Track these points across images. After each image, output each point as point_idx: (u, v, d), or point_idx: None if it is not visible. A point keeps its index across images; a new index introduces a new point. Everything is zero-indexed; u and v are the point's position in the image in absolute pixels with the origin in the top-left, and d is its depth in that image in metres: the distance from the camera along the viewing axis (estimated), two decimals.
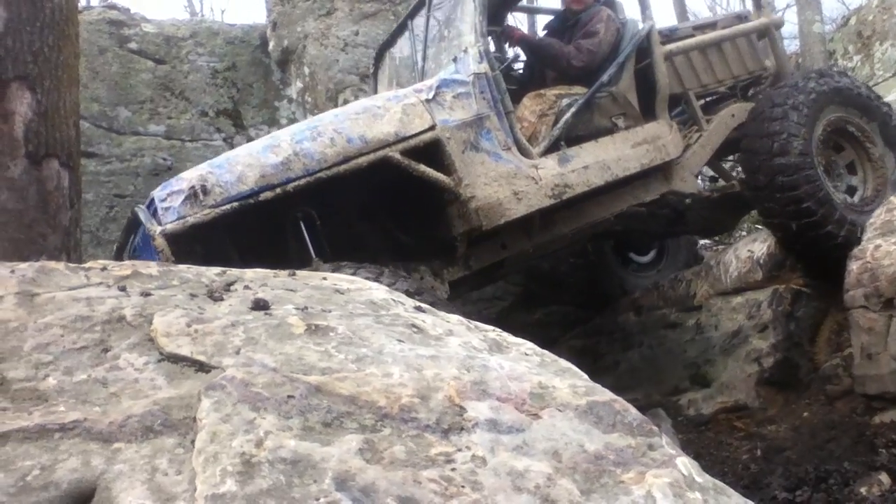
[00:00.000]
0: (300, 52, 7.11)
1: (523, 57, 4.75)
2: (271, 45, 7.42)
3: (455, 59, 3.76)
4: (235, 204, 3.08)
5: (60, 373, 1.25)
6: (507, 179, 3.52)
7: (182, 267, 1.77)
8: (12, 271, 1.56)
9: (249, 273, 1.80)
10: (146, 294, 1.54)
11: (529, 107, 3.96)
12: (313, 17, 7.07)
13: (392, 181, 3.40)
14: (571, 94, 3.96)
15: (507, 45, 4.54)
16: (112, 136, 6.54)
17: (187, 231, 3.05)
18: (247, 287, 1.68)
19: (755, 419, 3.83)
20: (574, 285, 5.76)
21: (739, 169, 4.93)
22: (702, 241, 6.33)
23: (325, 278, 1.85)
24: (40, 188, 4.03)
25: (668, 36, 4.53)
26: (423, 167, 3.35)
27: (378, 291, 1.79)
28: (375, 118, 3.38)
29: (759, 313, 4.12)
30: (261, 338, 1.39)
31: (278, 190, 3.13)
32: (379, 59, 5.01)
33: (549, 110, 3.92)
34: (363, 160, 3.26)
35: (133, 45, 7.04)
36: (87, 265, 1.69)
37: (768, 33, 4.77)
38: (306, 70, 7.04)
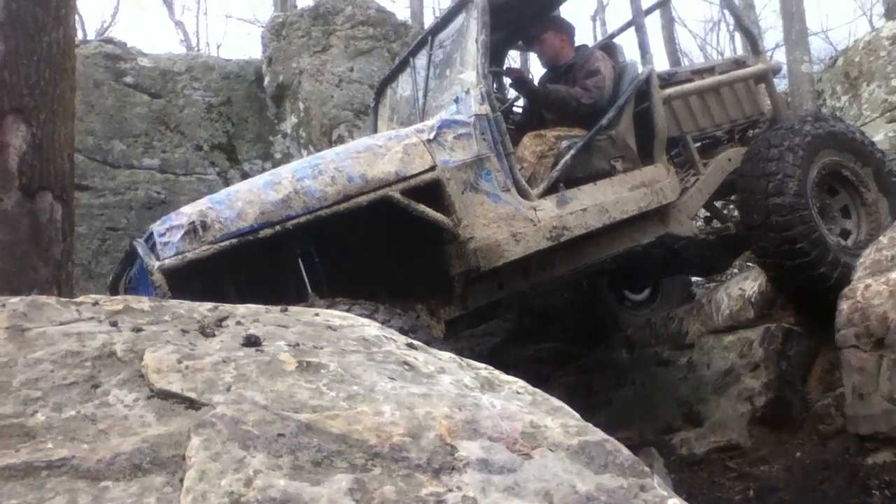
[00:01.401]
0: (295, 88, 7.17)
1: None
2: (266, 80, 7.49)
3: (457, 100, 3.79)
4: (235, 240, 3.07)
5: (49, 409, 1.24)
6: (506, 221, 3.54)
7: (174, 302, 1.77)
8: (3, 305, 1.55)
9: (241, 309, 1.79)
10: (138, 329, 1.53)
11: (529, 147, 3.98)
12: (308, 54, 7.15)
13: (391, 219, 3.41)
14: (571, 137, 3.99)
15: (510, 89, 4.58)
16: (106, 170, 6.56)
17: (185, 266, 3.04)
18: (238, 323, 1.67)
19: (748, 459, 3.81)
20: (567, 321, 5.76)
21: (734, 210, 4.97)
22: (694, 279, 6.35)
23: (317, 314, 1.85)
24: (33, 221, 4.03)
25: (667, 80, 4.57)
26: (422, 207, 3.36)
27: (370, 328, 1.79)
28: (377, 157, 3.39)
29: (750, 352, 4.11)
30: (252, 375, 1.39)
31: (278, 227, 3.12)
32: (379, 94, 5.04)
33: (549, 151, 3.95)
34: (363, 199, 3.27)
35: (129, 79, 7.09)
36: (79, 300, 1.68)
37: (765, 79, 4.82)
38: (301, 105, 7.09)
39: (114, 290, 3.77)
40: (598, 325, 5.51)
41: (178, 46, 20.42)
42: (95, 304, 1.66)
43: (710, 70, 4.88)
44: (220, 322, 1.65)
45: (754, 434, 3.89)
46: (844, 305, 3.24)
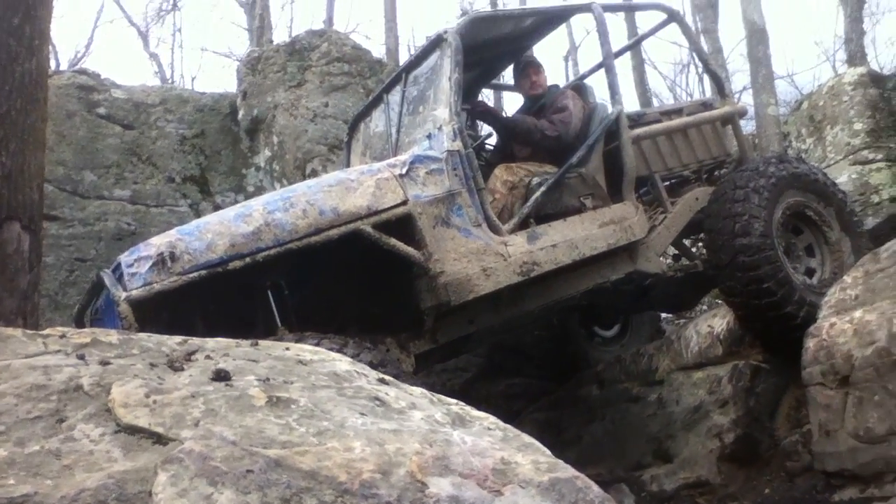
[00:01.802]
0: (269, 122, 7.19)
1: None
2: (241, 113, 7.49)
3: (429, 136, 3.82)
4: (204, 272, 3.05)
5: (12, 444, 1.22)
6: (477, 256, 3.55)
7: (142, 335, 1.75)
8: None
9: (211, 342, 1.78)
10: (105, 363, 1.51)
11: (500, 177, 4.04)
12: (283, 88, 7.18)
13: (363, 253, 3.41)
14: (541, 173, 4.04)
15: (475, 120, 4.65)
16: (76, 200, 6.50)
17: (153, 298, 3.01)
18: (208, 357, 1.66)
19: (717, 495, 3.82)
20: (538, 357, 5.78)
21: (702, 248, 5.05)
22: (664, 316, 6.41)
23: (287, 349, 1.84)
24: (0, 251, 3.97)
25: (636, 120, 4.65)
26: (393, 241, 3.37)
27: (341, 363, 1.79)
28: (349, 191, 3.40)
29: (719, 388, 4.14)
30: (221, 409, 1.38)
31: (248, 259, 3.11)
32: (353, 129, 5.08)
33: (520, 182, 4.01)
34: (334, 232, 3.27)
35: (102, 110, 7.06)
36: (46, 332, 1.66)
37: (732, 121, 4.91)
38: (275, 139, 7.10)
39: (79, 322, 3.72)
40: (568, 361, 5.53)
41: (152, 78, 20.37)
42: (62, 336, 1.64)
43: (679, 112, 4.98)
44: (189, 356, 1.64)
45: (723, 470, 3.91)
46: (810, 343, 3.29)
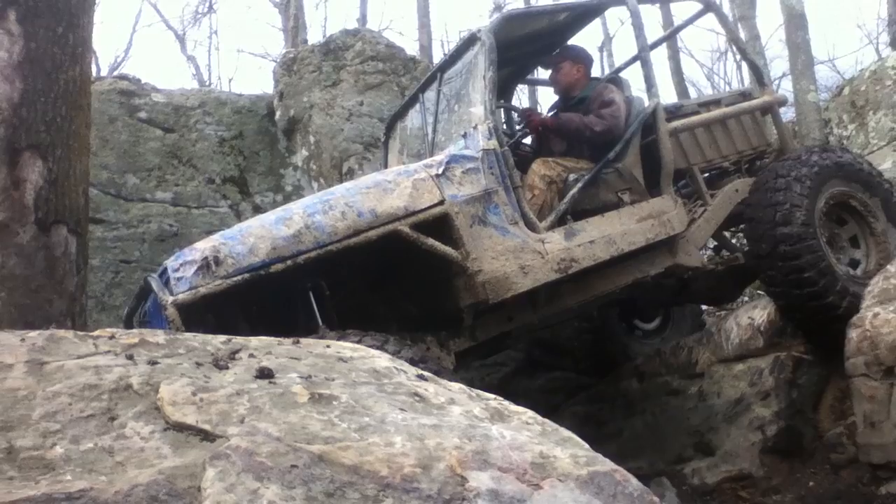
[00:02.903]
0: (306, 122, 7.26)
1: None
2: (278, 114, 7.58)
3: (465, 135, 3.84)
4: (247, 275, 3.12)
5: (68, 441, 1.27)
6: (514, 254, 3.57)
7: (188, 335, 1.80)
8: (22, 339, 1.59)
9: (254, 341, 1.82)
10: (153, 362, 1.56)
11: (538, 172, 4.03)
12: (319, 88, 7.24)
13: (401, 253, 3.44)
14: (578, 169, 4.03)
15: (526, 131, 4.61)
16: (120, 203, 6.64)
17: (198, 301, 3.07)
18: (251, 355, 1.70)
19: (760, 489, 3.78)
20: (577, 351, 5.76)
21: (743, 241, 4.98)
22: (704, 308, 6.33)
23: (328, 346, 1.88)
24: (48, 254, 4.09)
25: (674, 112, 4.61)
26: (431, 241, 3.39)
27: (381, 360, 1.81)
28: (386, 192, 3.44)
29: (761, 381, 4.10)
30: (265, 407, 1.41)
31: (289, 262, 3.17)
32: (390, 129, 5.11)
33: (558, 178, 4.00)
34: (373, 233, 3.31)
35: (143, 115, 7.20)
36: (96, 333, 1.72)
37: (772, 110, 4.84)
38: (312, 139, 7.18)
39: (128, 325, 3.81)
40: (608, 355, 5.51)
41: (190, 81, 20.67)
42: (112, 337, 1.69)
43: (717, 102, 4.91)
44: (233, 355, 1.68)
45: (766, 463, 3.87)
46: (853, 334, 3.25)
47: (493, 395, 1.78)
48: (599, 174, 4.02)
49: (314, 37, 15.91)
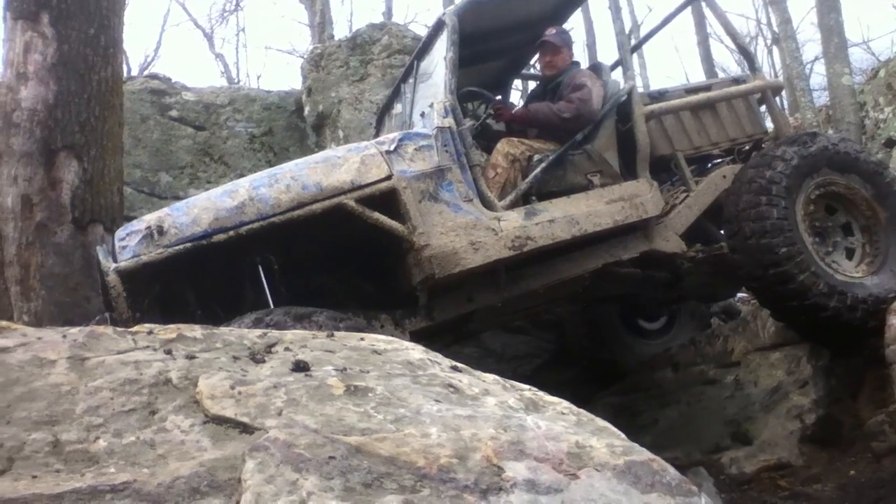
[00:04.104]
0: (334, 117, 7.30)
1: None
2: (307, 110, 7.63)
3: (422, 114, 3.86)
4: (189, 245, 3.13)
5: (110, 435, 1.29)
6: (466, 230, 3.54)
7: (224, 330, 1.82)
8: (64, 336, 1.62)
9: (289, 335, 1.84)
10: (191, 357, 1.58)
11: (501, 150, 3.99)
12: (347, 83, 7.27)
13: (355, 231, 3.45)
14: (545, 150, 3.98)
15: (497, 123, 4.56)
16: (154, 201, 6.72)
17: (140, 269, 3.10)
18: (287, 349, 1.72)
19: (799, 478, 3.74)
20: (584, 353, 5.68)
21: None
22: (740, 295, 6.21)
23: (362, 339, 1.89)
24: (85, 253, 4.17)
25: (657, 98, 4.52)
26: (377, 215, 3.39)
27: (415, 352, 1.82)
28: (334, 167, 3.44)
29: (798, 369, 4.05)
30: (302, 399, 1.43)
31: (231, 233, 3.18)
32: (379, 123, 5.13)
33: (521, 156, 3.95)
34: (317, 206, 3.30)
35: (174, 113, 7.28)
36: (135, 329, 1.74)
37: (764, 96, 4.68)
38: (340, 133, 7.21)
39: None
40: (613, 356, 5.46)
41: (219, 78, 20.88)
42: (150, 332, 1.72)
43: (706, 88, 4.77)
44: (269, 348, 1.70)
45: (805, 452, 3.82)
46: (893, 320, 3.19)
47: (527, 386, 1.78)
48: (566, 155, 3.96)
49: (341, 32, 15.99)
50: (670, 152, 4.42)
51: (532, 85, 5.12)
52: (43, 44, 4.28)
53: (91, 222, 4.24)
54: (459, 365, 1.83)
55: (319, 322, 3.00)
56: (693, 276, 4.56)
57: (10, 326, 1.69)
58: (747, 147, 4.66)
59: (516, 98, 5.85)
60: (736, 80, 4.97)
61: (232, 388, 1.44)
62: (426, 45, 4.30)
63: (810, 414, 3.90)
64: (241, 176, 7.19)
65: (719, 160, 4.72)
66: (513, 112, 4.38)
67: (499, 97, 5.25)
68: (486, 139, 4.50)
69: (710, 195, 4.34)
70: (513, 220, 3.67)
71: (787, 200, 3.90)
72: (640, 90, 4.62)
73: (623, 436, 1.54)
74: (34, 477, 1.15)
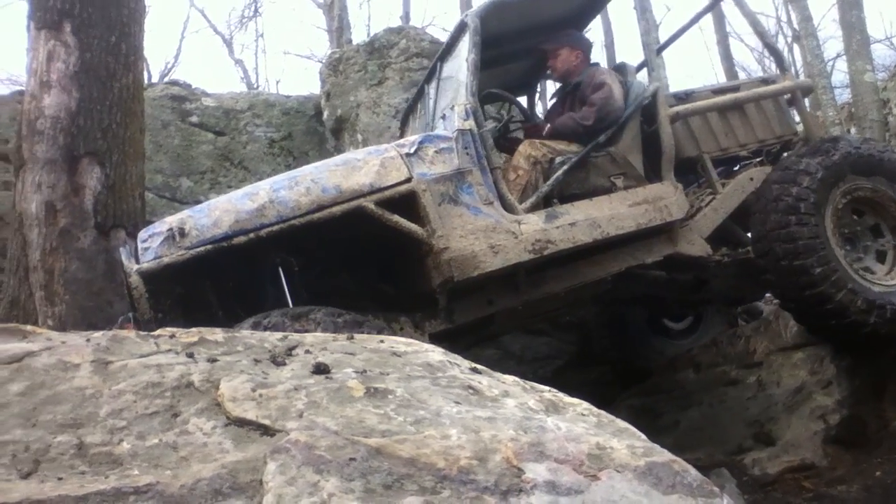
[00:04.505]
0: (353, 121, 7.33)
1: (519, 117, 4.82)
2: (325, 114, 7.66)
3: (443, 117, 3.85)
4: (210, 246, 3.16)
5: (134, 437, 1.31)
6: (485, 233, 3.53)
7: (245, 333, 1.84)
8: (87, 340, 1.64)
9: (309, 338, 1.85)
10: (212, 360, 1.60)
11: (523, 153, 3.97)
12: (365, 87, 7.30)
13: (375, 233, 3.45)
14: (567, 152, 3.95)
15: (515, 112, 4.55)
16: (175, 206, 6.77)
17: (162, 271, 3.13)
18: (307, 351, 1.73)
19: (824, 479, 3.70)
20: (609, 354, 5.66)
21: None
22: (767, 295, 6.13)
23: (382, 341, 1.90)
24: (108, 258, 4.22)
25: (683, 99, 4.47)
26: (396, 217, 3.39)
27: (434, 354, 1.83)
28: (353, 170, 3.44)
29: (822, 369, 4.01)
30: (322, 401, 1.44)
31: (252, 235, 3.20)
32: (403, 125, 5.14)
33: (542, 158, 3.93)
34: (337, 209, 3.31)
35: (194, 119, 7.35)
36: (157, 333, 1.76)
37: (793, 97, 4.61)
38: (359, 137, 7.24)
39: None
40: (639, 357, 5.42)
41: (238, 84, 21.05)
42: (172, 336, 1.74)
43: (734, 89, 4.71)
44: (290, 351, 1.71)
45: (830, 453, 3.79)
46: None
47: (547, 388, 1.77)
48: (588, 158, 3.93)
49: (358, 36, 16.04)
50: (696, 154, 4.37)
51: (557, 85, 5.09)
52: (65, 52, 4.34)
53: (113, 227, 4.30)
54: (479, 367, 1.83)
55: (317, 319, 3.02)
56: (719, 279, 4.52)
57: (36, 331, 1.72)
58: (776, 148, 4.60)
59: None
60: (765, 81, 4.89)
61: (253, 390, 1.45)
62: (449, 47, 4.30)
63: (834, 414, 3.86)
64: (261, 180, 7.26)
65: (747, 162, 4.67)
66: (543, 133, 4.33)
67: (522, 96, 5.26)
68: (507, 141, 4.50)
69: (736, 198, 4.28)
70: (533, 223, 3.65)
71: (817, 217, 3.81)
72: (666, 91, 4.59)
73: (644, 437, 1.54)
74: (60, 479, 1.17)
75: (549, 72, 4.54)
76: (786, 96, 4.64)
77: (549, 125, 4.22)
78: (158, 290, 3.16)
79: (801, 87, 4.70)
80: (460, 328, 3.77)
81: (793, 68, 17.47)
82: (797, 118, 4.84)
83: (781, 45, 19.45)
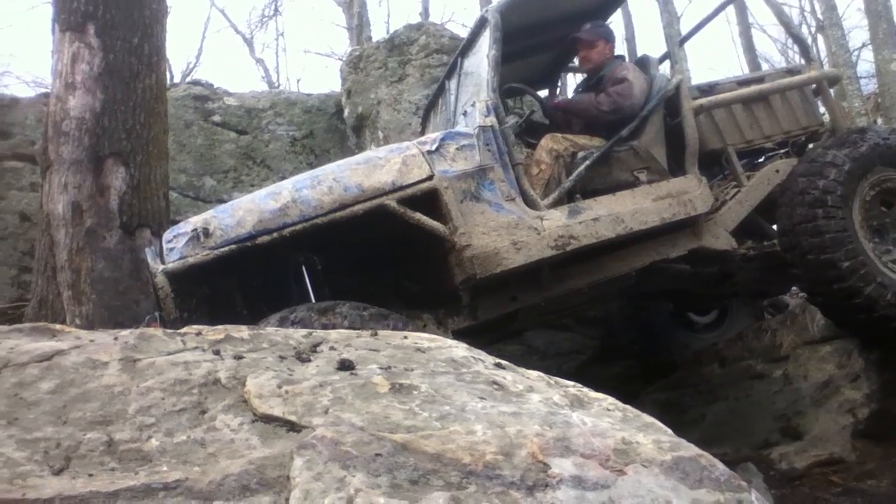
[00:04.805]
0: (374, 118, 7.34)
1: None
2: (346, 111, 7.68)
3: (465, 113, 3.84)
4: (234, 246, 3.18)
5: (162, 434, 1.32)
6: (507, 230, 3.52)
7: (270, 330, 1.85)
8: (115, 338, 1.66)
9: (334, 334, 1.86)
10: (238, 357, 1.61)
11: (545, 147, 3.94)
12: (385, 84, 7.31)
13: (398, 230, 3.46)
14: (589, 146, 3.92)
15: (545, 115, 4.52)
16: (199, 205, 6.83)
17: (187, 271, 3.16)
18: (332, 348, 1.74)
19: (853, 473, 3.65)
20: (633, 348, 5.63)
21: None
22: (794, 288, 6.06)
23: (405, 337, 1.90)
24: (134, 257, 4.27)
25: (707, 91, 4.43)
26: (418, 215, 3.39)
27: (458, 350, 1.83)
28: (375, 168, 3.45)
29: (849, 362, 3.96)
30: (348, 397, 1.44)
31: (275, 234, 3.21)
32: (425, 120, 5.13)
33: (565, 152, 3.90)
34: (359, 208, 3.32)
35: (217, 118, 7.40)
36: (183, 331, 1.78)
37: (820, 87, 4.54)
38: (380, 134, 7.25)
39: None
40: (664, 351, 5.38)
41: (260, 83, 21.17)
42: (198, 334, 1.76)
43: (759, 81, 4.63)
44: (314, 347, 1.72)
45: (858, 447, 3.74)
46: None
47: (571, 383, 1.77)
48: (611, 152, 3.89)
49: (378, 33, 16.08)
50: (721, 146, 4.32)
51: (579, 78, 5.04)
52: (89, 54, 4.39)
53: (139, 227, 4.34)
54: (503, 362, 1.83)
55: (343, 313, 3.03)
56: (744, 272, 4.47)
57: (64, 329, 1.74)
58: (802, 140, 4.53)
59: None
60: (790, 71, 4.82)
61: (279, 387, 1.46)
62: (470, 42, 4.29)
63: (863, 408, 3.81)
64: (284, 179, 7.30)
65: (772, 153, 4.62)
66: (555, 101, 4.33)
67: (544, 89, 5.24)
68: (530, 135, 4.48)
69: (762, 190, 4.23)
70: (556, 219, 3.63)
71: (844, 210, 3.75)
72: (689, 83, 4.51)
73: (670, 431, 1.53)
74: (90, 475, 1.18)
75: (581, 63, 4.48)
76: (811, 87, 4.58)
77: (564, 99, 4.19)
78: (184, 290, 3.20)
79: (827, 77, 4.63)
80: (484, 325, 3.77)
81: (789, 64, 17.27)
82: (823, 109, 4.77)
83: (806, 34, 19.21)
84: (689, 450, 1.41)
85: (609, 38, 4.47)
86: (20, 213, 6.03)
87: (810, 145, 4.53)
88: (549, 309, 4.11)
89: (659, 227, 3.87)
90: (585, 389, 1.72)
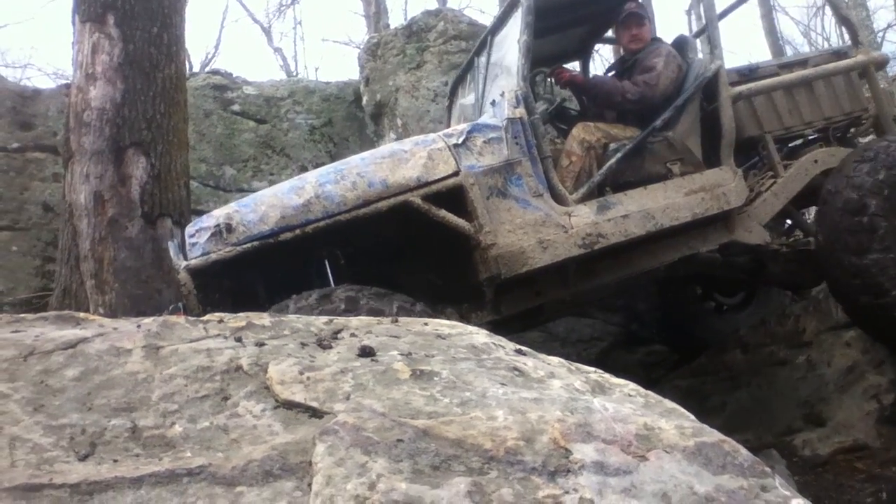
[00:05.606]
0: (392, 105, 7.33)
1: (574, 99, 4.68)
2: (365, 99, 7.67)
3: (493, 103, 3.73)
4: (256, 243, 3.15)
5: (185, 420, 1.33)
6: (534, 227, 3.44)
7: (292, 317, 1.86)
8: (138, 326, 1.67)
9: (354, 321, 1.87)
10: (260, 344, 1.62)
11: (577, 137, 3.84)
12: (404, 71, 7.29)
13: (422, 224, 3.39)
14: (623, 137, 3.81)
15: (557, 87, 4.39)
16: (219, 194, 6.86)
17: (210, 267, 3.14)
18: (353, 335, 1.74)
19: (877, 460, 3.62)
20: (660, 328, 5.59)
21: None
22: None
23: (426, 324, 1.90)
24: (155, 246, 4.30)
25: (747, 76, 4.27)
26: (443, 213, 3.32)
27: (479, 336, 1.83)
28: (400, 162, 3.37)
29: (874, 348, 3.91)
30: (369, 384, 1.45)
31: (298, 231, 3.18)
32: (452, 94, 5.02)
33: (597, 143, 3.80)
34: (383, 204, 3.26)
35: (236, 107, 7.42)
36: (205, 318, 1.79)
37: (866, 72, 4.38)
38: (399, 122, 7.24)
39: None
40: (690, 332, 5.31)
41: (278, 72, 21.20)
42: (220, 321, 1.77)
43: (803, 64, 4.46)
44: (335, 334, 1.73)
45: (883, 434, 3.70)
46: None
47: (592, 369, 1.76)
48: (644, 143, 3.77)
49: (396, 20, 16.04)
50: (758, 134, 4.18)
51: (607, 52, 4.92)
52: (109, 44, 4.41)
53: (160, 216, 4.37)
54: (524, 348, 1.83)
55: (340, 297, 2.94)
56: (777, 264, 4.36)
57: (88, 317, 1.76)
58: (844, 125, 4.38)
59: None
60: (836, 54, 4.64)
61: (301, 373, 1.47)
62: (500, 20, 4.17)
63: (888, 394, 3.77)
64: (303, 167, 7.31)
65: (813, 138, 4.44)
66: (571, 73, 4.21)
67: (576, 61, 5.10)
68: (561, 120, 4.39)
69: (799, 182, 4.08)
70: (584, 216, 3.54)
71: (889, 217, 3.59)
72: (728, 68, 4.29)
73: (692, 417, 1.52)
74: (115, 461, 1.20)
75: (629, 42, 4.25)
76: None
77: (582, 74, 4.06)
78: (206, 285, 3.18)
79: (874, 62, 4.44)
80: (507, 318, 3.71)
81: (840, 40, 17.01)
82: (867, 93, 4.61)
83: (828, 17, 18.93)
84: (712, 435, 1.40)
85: (651, 18, 4.34)
86: (43, 203, 6.09)
87: (852, 130, 4.40)
88: (574, 302, 4.05)
89: (691, 222, 3.77)
90: (607, 375, 1.71)
